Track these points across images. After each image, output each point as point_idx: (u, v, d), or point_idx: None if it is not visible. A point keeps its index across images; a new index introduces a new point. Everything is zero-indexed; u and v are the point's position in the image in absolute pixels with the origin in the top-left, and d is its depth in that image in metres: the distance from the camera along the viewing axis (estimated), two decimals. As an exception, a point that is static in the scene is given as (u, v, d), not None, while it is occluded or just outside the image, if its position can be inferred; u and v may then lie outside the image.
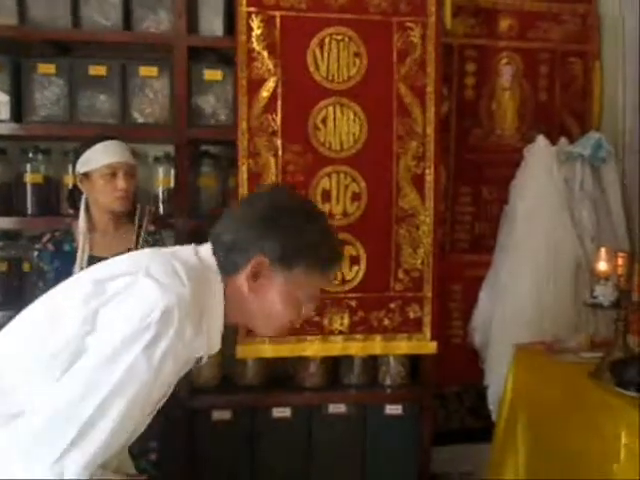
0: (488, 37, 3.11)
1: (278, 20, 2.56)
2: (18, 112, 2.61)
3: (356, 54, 2.62)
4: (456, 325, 3.13)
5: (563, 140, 2.97)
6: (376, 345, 2.70)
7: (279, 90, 2.57)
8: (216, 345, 1.28)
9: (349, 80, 2.62)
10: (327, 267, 1.31)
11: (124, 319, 1.13)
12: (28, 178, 2.67)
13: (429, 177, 2.68)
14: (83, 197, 2.22)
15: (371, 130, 2.64)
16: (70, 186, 2.43)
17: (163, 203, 2.78)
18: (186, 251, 1.28)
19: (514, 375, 2.41)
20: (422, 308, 2.71)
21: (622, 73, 3.21)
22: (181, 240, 2.46)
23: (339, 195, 2.65)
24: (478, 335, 2.97)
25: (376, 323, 2.69)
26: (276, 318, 1.30)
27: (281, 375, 2.85)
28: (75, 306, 1.17)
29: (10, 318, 1.28)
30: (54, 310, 1.21)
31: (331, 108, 2.62)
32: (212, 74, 2.70)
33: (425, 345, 2.73)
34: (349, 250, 2.66)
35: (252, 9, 2.54)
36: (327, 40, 2.60)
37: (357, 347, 2.70)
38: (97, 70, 2.63)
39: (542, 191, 2.86)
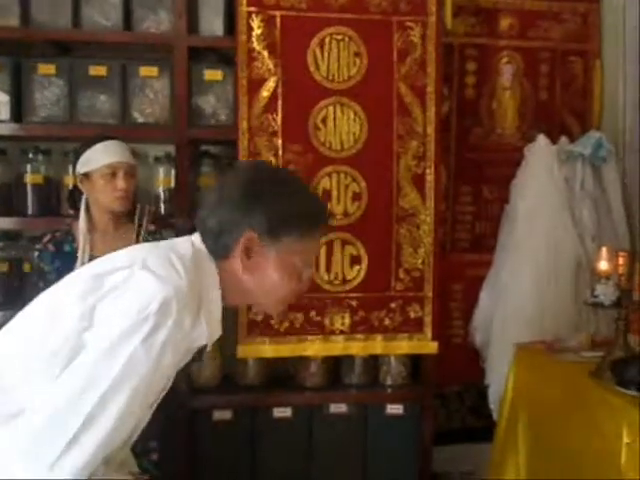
0: (488, 36, 3.11)
1: (278, 20, 2.56)
2: (18, 112, 2.61)
3: (356, 54, 2.61)
4: (457, 325, 3.13)
5: (564, 139, 2.97)
6: (377, 345, 2.70)
7: (279, 90, 2.57)
8: (217, 331, 1.28)
9: (349, 80, 2.62)
10: (316, 228, 1.30)
11: (122, 313, 1.13)
12: (28, 178, 2.67)
13: (429, 177, 2.68)
14: (83, 197, 2.23)
15: (371, 130, 2.64)
16: (70, 186, 2.43)
17: (164, 203, 2.78)
18: (182, 242, 1.28)
19: (515, 374, 2.41)
20: (423, 308, 2.71)
21: (622, 72, 3.21)
22: (181, 240, 2.46)
23: (340, 195, 2.65)
24: (479, 334, 2.97)
25: (377, 323, 2.68)
26: (277, 291, 1.29)
27: (282, 375, 2.85)
28: (73, 303, 1.17)
29: (10, 318, 1.27)
30: (53, 308, 1.21)
31: (331, 108, 2.62)
32: (212, 74, 2.70)
33: (426, 345, 2.72)
34: (350, 250, 2.66)
35: (252, 9, 2.54)
36: (327, 40, 2.60)
37: (358, 347, 2.69)
38: (97, 70, 2.63)
39: (543, 190, 2.86)
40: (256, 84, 2.55)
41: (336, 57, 2.60)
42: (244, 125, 2.56)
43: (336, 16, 2.59)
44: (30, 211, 2.68)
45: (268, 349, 2.64)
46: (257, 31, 2.54)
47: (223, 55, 2.74)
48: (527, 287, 2.80)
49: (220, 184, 1.32)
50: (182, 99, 2.62)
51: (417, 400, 2.80)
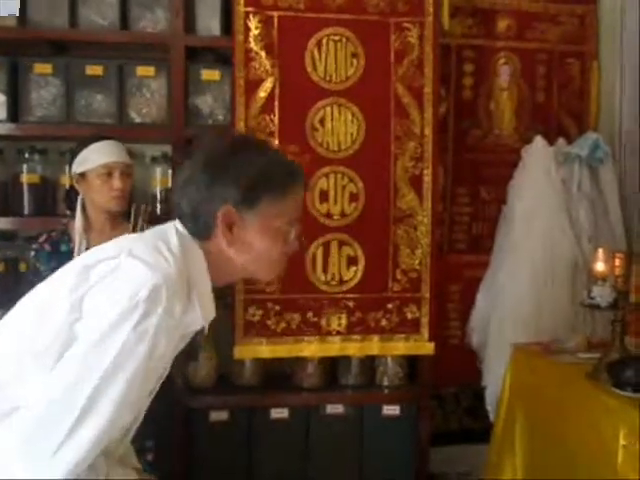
0: (486, 37, 3.11)
1: (276, 20, 2.55)
2: (14, 112, 2.60)
3: (354, 54, 2.61)
4: (454, 326, 3.13)
5: (561, 140, 2.98)
6: (374, 346, 2.69)
7: (277, 90, 2.56)
8: (210, 313, 1.27)
9: (347, 80, 2.62)
10: (290, 187, 1.28)
11: (112, 302, 1.12)
12: (25, 178, 2.66)
13: (427, 177, 2.68)
14: (79, 197, 2.23)
15: (369, 131, 2.63)
16: (67, 186, 2.42)
17: (161, 203, 2.78)
18: (166, 229, 1.27)
19: (512, 375, 2.41)
20: (420, 309, 2.71)
21: (620, 74, 3.21)
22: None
23: (337, 196, 2.64)
24: (476, 335, 2.97)
25: (374, 324, 2.68)
26: (267, 257, 1.28)
27: (279, 375, 2.84)
28: (62, 296, 1.16)
29: (6, 318, 1.27)
30: (43, 303, 1.21)
31: (329, 108, 2.61)
32: (209, 74, 2.69)
33: (423, 346, 2.72)
34: (347, 251, 2.66)
35: (250, 9, 2.54)
36: (325, 40, 2.59)
37: (355, 348, 2.69)
38: (94, 70, 2.63)
39: (540, 191, 2.86)
40: (253, 84, 2.55)
41: (333, 58, 2.60)
42: (241, 125, 2.55)
43: (334, 17, 2.59)
44: (26, 211, 2.67)
45: (265, 350, 2.63)
46: (254, 31, 2.54)
47: (220, 55, 2.74)
48: (524, 288, 2.80)
49: (188, 164, 1.30)
50: (179, 99, 2.62)
51: (414, 401, 2.80)
